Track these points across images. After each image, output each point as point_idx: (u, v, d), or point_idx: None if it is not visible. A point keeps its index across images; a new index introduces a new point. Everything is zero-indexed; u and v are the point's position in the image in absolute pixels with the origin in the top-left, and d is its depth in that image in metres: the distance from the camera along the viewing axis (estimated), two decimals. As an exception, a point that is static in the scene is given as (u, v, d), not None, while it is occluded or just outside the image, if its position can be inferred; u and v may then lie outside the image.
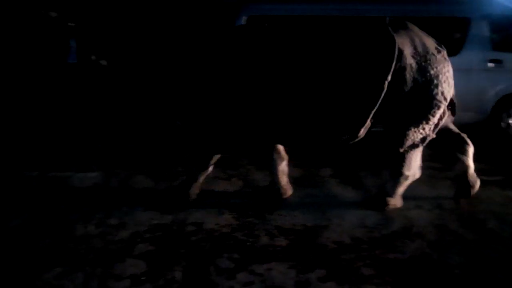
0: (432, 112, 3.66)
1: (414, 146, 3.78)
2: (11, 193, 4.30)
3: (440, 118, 3.78)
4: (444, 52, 3.73)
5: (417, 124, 3.68)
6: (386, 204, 3.94)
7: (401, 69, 3.53)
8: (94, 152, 5.83)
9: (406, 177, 3.88)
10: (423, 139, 3.77)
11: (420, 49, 3.61)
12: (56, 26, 9.85)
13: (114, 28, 10.29)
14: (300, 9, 6.17)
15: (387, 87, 3.52)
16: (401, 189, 3.93)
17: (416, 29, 3.77)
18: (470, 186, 4.10)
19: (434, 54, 3.63)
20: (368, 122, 3.66)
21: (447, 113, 3.89)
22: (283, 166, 4.20)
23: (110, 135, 6.90)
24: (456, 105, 3.99)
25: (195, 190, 4.14)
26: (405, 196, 3.99)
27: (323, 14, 6.09)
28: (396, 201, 3.95)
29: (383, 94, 3.53)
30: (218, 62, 3.77)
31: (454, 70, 3.81)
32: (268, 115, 3.70)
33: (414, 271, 2.98)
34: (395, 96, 3.59)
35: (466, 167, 4.06)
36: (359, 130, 3.67)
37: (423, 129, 3.72)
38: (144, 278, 2.86)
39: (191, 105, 3.88)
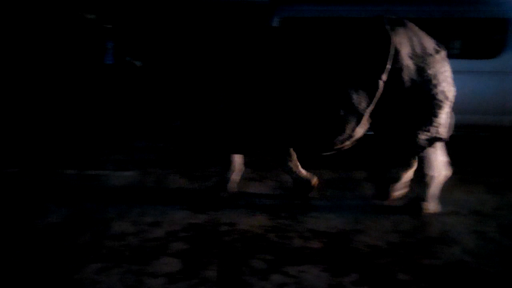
0: (434, 112, 3.61)
1: (425, 147, 3.71)
2: (50, 190, 4.44)
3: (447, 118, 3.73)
4: (443, 53, 3.66)
5: (421, 125, 3.63)
6: (421, 208, 3.88)
7: (398, 70, 3.50)
8: (130, 151, 5.96)
9: (432, 178, 3.80)
10: (431, 140, 3.69)
11: (418, 49, 3.57)
12: (94, 28, 10.11)
13: (148, 30, 10.48)
14: (333, 11, 6.12)
15: (384, 87, 3.52)
16: (433, 191, 3.87)
17: (415, 28, 3.71)
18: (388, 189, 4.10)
19: (432, 55, 3.57)
20: (365, 122, 3.66)
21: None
22: (293, 162, 4.24)
23: (145, 134, 7.03)
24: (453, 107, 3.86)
25: (226, 189, 4.23)
26: (440, 201, 3.92)
27: (357, 15, 6.03)
28: (431, 205, 3.89)
29: (378, 94, 3.53)
30: (225, 65, 3.84)
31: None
32: (270, 116, 3.72)
33: (451, 278, 2.92)
34: (395, 97, 3.57)
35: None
36: (355, 129, 3.66)
37: (429, 130, 3.64)
38: (179, 276, 2.90)
39: (205, 105, 3.89)
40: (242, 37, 3.96)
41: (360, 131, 3.71)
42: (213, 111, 3.83)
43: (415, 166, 4.05)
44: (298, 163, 4.27)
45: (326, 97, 3.58)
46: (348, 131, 3.66)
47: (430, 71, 3.54)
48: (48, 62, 9.58)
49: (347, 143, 3.79)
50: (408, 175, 4.12)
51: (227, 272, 2.97)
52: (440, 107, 3.60)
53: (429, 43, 3.64)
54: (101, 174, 4.97)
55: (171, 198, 4.26)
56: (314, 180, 4.27)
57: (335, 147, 3.84)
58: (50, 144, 6.29)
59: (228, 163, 4.22)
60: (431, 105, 3.59)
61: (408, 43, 3.56)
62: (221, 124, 3.85)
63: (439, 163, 3.81)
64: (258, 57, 3.76)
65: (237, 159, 4.25)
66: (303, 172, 4.27)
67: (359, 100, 3.54)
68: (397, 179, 4.12)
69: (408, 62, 3.51)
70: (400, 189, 4.16)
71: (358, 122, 3.62)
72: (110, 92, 9.41)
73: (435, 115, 3.61)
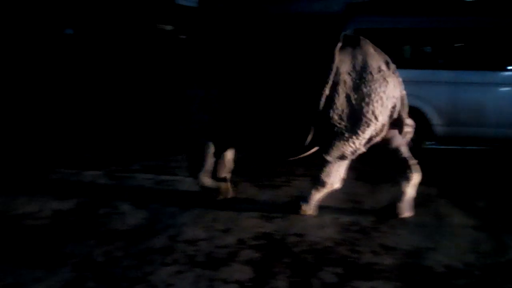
0: (362, 128, 3.79)
1: (342, 157, 3.93)
2: (127, 193, 4.68)
3: (376, 135, 3.88)
4: (387, 72, 3.79)
5: (347, 137, 3.83)
6: (299, 208, 4.10)
7: (335, 84, 3.74)
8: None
9: (324, 184, 4.02)
10: (352, 152, 3.90)
11: (358, 67, 3.75)
12: (170, 39, 10.55)
13: (221, 41, 10.73)
14: (406, 22, 6.03)
15: (326, 100, 3.76)
16: (316, 196, 4.10)
17: (366, 47, 3.86)
18: (395, 211, 4.08)
19: (371, 73, 3.73)
20: (314, 131, 3.86)
21: (389, 132, 3.99)
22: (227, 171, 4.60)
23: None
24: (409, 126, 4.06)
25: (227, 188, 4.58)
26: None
27: (428, 26, 5.90)
28: (309, 207, 4.10)
29: (321, 105, 3.76)
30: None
31: None
32: (238, 121, 4.08)
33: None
34: (329, 107, 3.78)
35: (402, 193, 4.06)
36: (306, 138, 3.88)
37: (353, 143, 3.85)
38: (250, 284, 2.95)
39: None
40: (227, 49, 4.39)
41: (311, 139, 3.91)
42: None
43: (414, 180, 4.09)
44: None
45: (280, 107, 3.88)
46: (300, 140, 3.92)
47: (365, 89, 3.72)
48: (128, 71, 10.11)
49: (303, 150, 4.04)
50: (410, 192, 4.12)
51: (297, 283, 2.98)
52: (368, 125, 3.78)
53: (374, 61, 3.79)
54: (175, 179, 5.17)
55: (242, 205, 4.34)
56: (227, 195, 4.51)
57: (294, 154, 4.13)
58: (127, 148, 6.63)
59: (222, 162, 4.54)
60: (360, 122, 3.77)
61: (350, 61, 3.77)
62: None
63: (338, 175, 4.03)
64: (236, 65, 4.16)
65: (228, 158, 4.54)
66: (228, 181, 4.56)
67: (306, 111, 3.81)
68: (401, 198, 4.12)
69: (345, 78, 3.74)
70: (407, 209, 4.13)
71: (308, 131, 3.86)
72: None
73: (362, 131, 3.80)
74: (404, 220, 4.02)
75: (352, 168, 5.51)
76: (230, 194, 4.56)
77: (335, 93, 3.75)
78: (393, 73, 3.86)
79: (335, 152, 3.91)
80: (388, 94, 3.78)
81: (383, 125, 3.88)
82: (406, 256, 3.37)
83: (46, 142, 7.06)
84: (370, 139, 3.90)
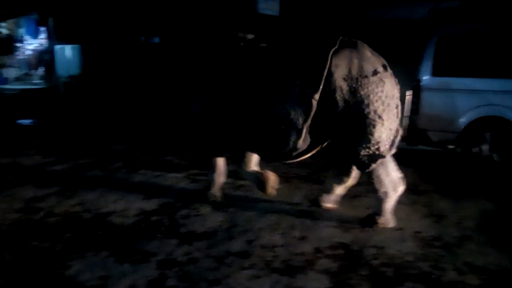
0: (368, 130, 3.75)
1: (371, 165, 3.86)
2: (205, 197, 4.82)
3: (395, 137, 3.87)
4: (384, 74, 3.78)
5: (360, 143, 3.80)
6: (375, 222, 4.03)
7: (331, 91, 3.73)
8: (279, 165, 6.17)
9: (386, 194, 3.96)
10: (372, 157, 3.83)
11: (354, 71, 3.72)
12: (251, 47, 10.76)
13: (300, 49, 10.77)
14: (490, 28, 5.76)
15: (318, 105, 3.77)
16: (387, 206, 4.02)
17: (362, 50, 3.83)
18: (378, 220, 4.06)
19: (367, 76, 3.71)
20: (306, 136, 3.89)
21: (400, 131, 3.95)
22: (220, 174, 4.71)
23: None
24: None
25: (215, 191, 4.71)
26: None
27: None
28: (385, 219, 4.03)
29: (312, 111, 3.78)
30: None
31: None
32: (234, 125, 4.21)
33: None
34: (330, 115, 3.79)
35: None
36: (297, 142, 3.91)
37: (375, 148, 3.79)
38: (326, 294, 2.93)
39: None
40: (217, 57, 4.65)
41: (303, 144, 3.95)
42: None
43: (348, 183, 4.33)
44: (251, 165, 4.52)
45: (271, 111, 3.92)
46: (291, 144, 3.94)
47: (362, 92, 3.70)
48: (210, 78, 10.44)
49: (295, 154, 4.08)
50: (340, 190, 4.39)
51: (376, 297, 2.91)
52: (373, 125, 3.74)
53: (369, 65, 3.76)
54: (252, 184, 5.24)
55: (319, 214, 4.32)
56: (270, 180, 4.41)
57: (287, 158, 4.20)
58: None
59: (213, 166, 4.67)
60: (365, 124, 3.74)
61: (346, 65, 3.74)
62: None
63: (391, 179, 3.95)
64: (223, 72, 4.33)
65: (220, 163, 4.67)
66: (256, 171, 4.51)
67: (297, 116, 3.82)
68: (329, 190, 4.40)
69: (341, 84, 3.72)
70: (330, 201, 4.43)
71: (298, 136, 3.88)
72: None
73: (371, 133, 3.75)
74: (491, 237, 3.78)
75: (433, 182, 5.34)
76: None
77: (332, 99, 3.75)
78: (390, 75, 3.87)
79: (363, 162, 3.87)
80: (388, 93, 3.77)
81: (397, 125, 3.89)
82: (494, 276, 3.17)
83: (133, 143, 7.47)
84: (392, 142, 3.88)
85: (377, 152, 3.82)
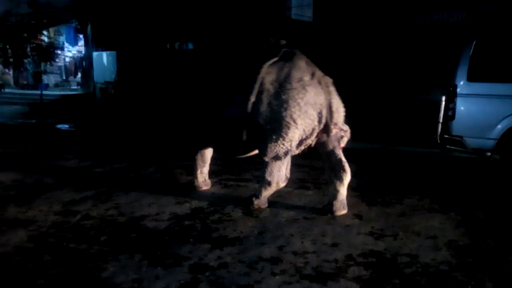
0: (284, 131, 4.23)
1: (277, 157, 4.37)
2: (238, 202, 4.85)
3: (306, 138, 4.31)
4: (308, 82, 4.22)
5: (275, 140, 4.29)
6: (252, 203, 4.61)
7: (260, 92, 4.31)
8: (309, 171, 6.17)
9: (269, 183, 4.48)
10: (285, 153, 4.34)
11: (281, 78, 4.27)
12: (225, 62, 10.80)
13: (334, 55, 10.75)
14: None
15: (253, 107, 4.33)
16: (266, 193, 4.59)
17: (296, 61, 4.34)
18: (332, 209, 4.45)
19: (290, 83, 4.21)
20: (246, 133, 4.41)
21: (323, 136, 4.43)
22: (203, 165, 5.30)
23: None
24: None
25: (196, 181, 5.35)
26: None
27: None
28: (260, 202, 4.62)
29: (249, 110, 4.33)
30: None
31: None
32: (179, 124, 5.02)
33: None
34: (257, 113, 4.33)
35: (336, 192, 4.47)
36: (241, 138, 4.43)
37: (283, 144, 4.29)
38: (358, 302, 2.90)
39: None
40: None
41: (247, 140, 4.46)
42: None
43: (347, 178, 4.50)
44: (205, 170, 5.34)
45: (220, 113, 4.57)
46: (237, 140, 4.48)
47: (283, 96, 4.20)
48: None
49: (243, 149, 4.69)
50: (344, 190, 4.51)
51: (408, 306, 2.86)
52: (288, 127, 4.21)
53: (297, 73, 4.25)
54: (282, 190, 5.24)
55: (350, 221, 4.28)
56: (200, 185, 5.33)
57: (239, 152, 4.82)
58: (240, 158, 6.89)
59: (196, 160, 5.25)
60: (281, 125, 4.23)
61: (276, 73, 4.31)
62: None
63: (280, 174, 4.46)
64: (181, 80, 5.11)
65: (202, 157, 5.23)
66: (202, 175, 5.32)
67: (238, 115, 4.39)
68: (336, 196, 4.53)
69: (269, 87, 4.29)
70: (342, 207, 4.53)
71: (241, 133, 4.41)
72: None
73: (285, 133, 4.23)
74: (533, 249, 3.66)
75: (468, 189, 5.21)
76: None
77: (260, 101, 4.31)
78: (318, 83, 4.29)
79: (270, 153, 4.36)
80: (307, 100, 4.20)
81: (312, 129, 4.29)
82: (534, 289, 3.06)
83: (166, 148, 7.61)
84: (301, 142, 4.32)
85: (288, 148, 4.32)
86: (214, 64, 5.06)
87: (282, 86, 4.23)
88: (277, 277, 3.21)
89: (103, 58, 15.60)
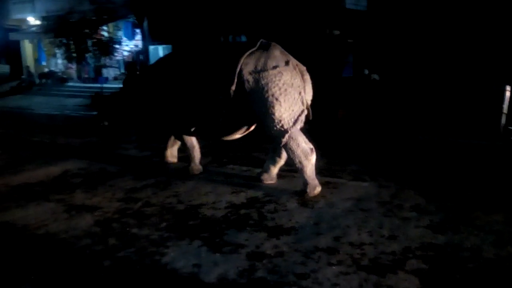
0: (271, 111, 4.65)
1: (281, 137, 4.68)
2: (292, 192, 4.87)
3: (299, 115, 4.72)
4: (284, 68, 4.67)
5: (270, 122, 4.70)
6: (305, 192, 4.76)
7: (241, 83, 4.76)
8: (365, 162, 6.10)
9: (299, 163, 4.70)
10: (286, 131, 4.67)
11: (259, 67, 4.72)
12: (338, 43, 10.65)
13: (387, 46, 10.48)
14: None
15: (235, 94, 4.79)
16: (307, 174, 4.75)
17: (272, 51, 4.79)
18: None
19: (267, 70, 4.67)
20: (227, 118, 4.93)
21: (305, 112, 4.80)
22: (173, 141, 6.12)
23: (382, 147, 7.08)
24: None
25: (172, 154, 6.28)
26: None
27: None
28: (310, 186, 4.75)
29: (230, 99, 4.81)
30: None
31: None
32: (172, 114, 5.38)
33: None
34: (244, 102, 4.80)
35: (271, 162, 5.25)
36: (221, 123, 5.00)
37: (279, 123, 4.68)
38: (417, 295, 2.85)
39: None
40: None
41: (227, 125, 5.04)
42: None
43: (280, 163, 5.22)
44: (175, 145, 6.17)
45: (205, 101, 5.01)
46: (218, 124, 5.03)
47: (263, 82, 4.67)
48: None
49: (224, 132, 5.21)
50: (275, 170, 5.27)
51: (471, 301, 2.78)
52: (273, 106, 4.63)
53: (273, 61, 4.71)
54: (338, 182, 5.23)
55: (407, 214, 4.20)
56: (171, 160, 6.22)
57: (220, 135, 5.30)
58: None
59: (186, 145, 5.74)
60: (266, 106, 4.65)
61: (253, 63, 4.75)
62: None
63: (302, 149, 4.68)
64: (171, 74, 5.38)
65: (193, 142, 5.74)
66: (197, 160, 5.78)
67: (219, 103, 4.89)
68: (267, 170, 5.27)
69: (248, 77, 4.74)
70: (269, 179, 5.26)
71: (221, 118, 4.95)
72: (347, 104, 9.76)
73: (273, 113, 4.64)
74: None
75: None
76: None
77: (243, 89, 4.74)
78: (293, 68, 4.75)
79: (274, 133, 4.72)
80: (285, 81, 4.65)
81: (299, 108, 4.71)
82: None
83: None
84: (296, 119, 4.70)
85: (282, 128, 4.67)
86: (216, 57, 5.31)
87: (260, 73, 4.69)
88: (334, 267, 3.21)
89: (159, 52, 16.02)
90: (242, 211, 4.36)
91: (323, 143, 7.39)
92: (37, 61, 21.41)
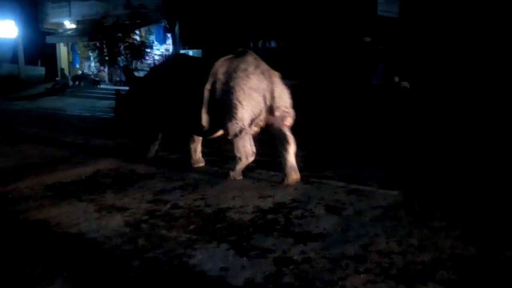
0: (234, 111, 5.22)
1: (236, 135, 5.33)
2: (318, 197, 4.85)
3: (255, 117, 5.30)
4: (252, 72, 5.26)
5: (230, 120, 5.28)
6: (228, 175, 5.60)
7: (214, 82, 5.37)
8: (394, 170, 6.02)
9: (239, 158, 5.44)
10: (240, 131, 5.29)
11: (230, 70, 5.33)
12: (368, 50, 10.57)
13: (418, 53, 10.34)
14: None
15: (209, 94, 5.39)
16: (239, 167, 5.55)
17: (245, 57, 5.44)
18: (285, 174, 5.39)
19: (236, 73, 5.28)
20: (206, 117, 5.47)
21: (270, 117, 5.39)
22: (195, 146, 6.32)
23: (412, 155, 6.98)
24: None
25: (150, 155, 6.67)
26: None
27: None
28: (235, 174, 5.59)
29: (206, 97, 5.40)
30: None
31: None
32: (165, 115, 6.02)
33: None
34: (215, 100, 5.37)
35: (285, 161, 5.38)
36: (202, 122, 5.49)
37: (236, 123, 5.26)
38: (447, 307, 2.80)
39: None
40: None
41: (207, 123, 5.51)
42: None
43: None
44: (199, 149, 6.39)
45: (187, 102, 5.57)
46: (197, 123, 5.53)
47: (231, 84, 5.26)
48: (326, 80, 10.47)
49: (205, 131, 5.66)
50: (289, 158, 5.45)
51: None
52: (236, 108, 5.21)
53: (243, 65, 5.32)
54: (366, 189, 5.18)
55: (437, 223, 4.13)
56: (199, 164, 6.37)
57: (202, 134, 5.88)
58: (321, 154, 6.88)
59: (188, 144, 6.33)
60: (231, 106, 5.24)
61: (227, 66, 5.39)
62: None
63: (245, 149, 5.36)
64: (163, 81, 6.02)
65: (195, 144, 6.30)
66: (197, 157, 6.36)
67: (198, 103, 5.43)
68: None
69: (220, 77, 5.36)
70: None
71: (200, 117, 5.45)
72: (376, 111, 9.67)
73: (236, 113, 5.22)
74: None
75: None
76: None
77: (216, 89, 5.35)
78: (261, 73, 5.30)
79: (230, 132, 5.33)
80: (251, 86, 5.21)
81: (260, 110, 5.28)
82: None
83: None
84: (252, 121, 5.28)
85: (242, 127, 5.26)
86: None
87: (230, 76, 5.28)
88: (361, 275, 3.19)
89: (189, 56, 16.25)
90: (269, 216, 4.37)
91: (352, 151, 7.34)
92: (71, 63, 21.98)
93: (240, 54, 5.48)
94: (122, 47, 17.22)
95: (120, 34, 16.93)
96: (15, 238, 3.95)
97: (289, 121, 5.42)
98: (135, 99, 6.50)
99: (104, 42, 17.04)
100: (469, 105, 9.01)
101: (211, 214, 4.45)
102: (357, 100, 9.87)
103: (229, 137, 5.39)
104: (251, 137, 5.40)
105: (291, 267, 3.32)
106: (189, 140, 6.27)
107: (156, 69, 6.49)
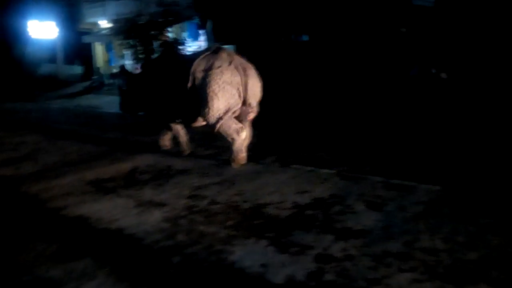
0: (210, 103, 5.83)
1: (218, 121, 5.88)
2: (356, 193, 4.74)
3: (232, 108, 5.89)
4: (226, 67, 5.85)
5: (208, 111, 5.87)
6: (233, 160, 6.00)
7: (194, 79, 5.99)
8: (439, 164, 5.83)
9: (232, 139, 5.92)
10: (218, 118, 5.88)
11: (206, 66, 5.95)
12: (405, 41, 10.30)
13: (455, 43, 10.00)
14: None
15: (190, 89, 6.00)
16: (236, 147, 5.95)
17: (220, 53, 6.02)
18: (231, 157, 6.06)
19: (212, 69, 5.87)
20: (188, 108, 6.14)
21: (241, 109, 6.00)
22: (182, 132, 6.90)
23: (454, 149, 6.75)
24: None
25: (164, 142, 7.15)
26: None
27: None
28: (237, 158, 6.00)
29: (188, 92, 6.00)
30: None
31: None
32: (162, 106, 6.56)
33: None
34: (195, 95, 5.97)
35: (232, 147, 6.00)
36: (187, 113, 6.28)
37: (213, 112, 5.85)
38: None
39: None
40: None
41: (188, 114, 6.23)
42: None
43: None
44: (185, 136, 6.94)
45: (174, 96, 6.21)
46: (182, 113, 6.34)
47: (207, 79, 5.85)
48: (360, 69, 10.28)
49: (189, 120, 6.38)
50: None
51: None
52: (212, 99, 5.81)
53: (218, 62, 5.91)
54: (406, 184, 5.02)
55: (484, 220, 3.95)
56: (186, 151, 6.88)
57: (188, 122, 6.50)
58: (360, 149, 6.74)
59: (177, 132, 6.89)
60: (207, 99, 5.83)
61: (204, 63, 6.00)
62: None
63: (233, 128, 5.86)
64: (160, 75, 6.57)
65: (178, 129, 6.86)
66: (184, 144, 6.90)
67: (181, 97, 6.10)
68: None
69: (198, 74, 5.96)
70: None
71: (183, 108, 6.20)
72: (413, 103, 9.42)
73: (212, 105, 5.83)
74: None
75: None
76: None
77: (194, 84, 5.96)
78: (235, 68, 5.86)
79: (209, 121, 5.95)
80: (225, 80, 5.78)
81: (235, 101, 5.87)
82: None
83: (285, 138, 7.71)
84: (227, 110, 5.86)
85: (218, 117, 5.85)
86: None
87: (206, 72, 5.86)
88: (406, 274, 3.08)
89: (222, 52, 16.28)
90: (308, 212, 4.30)
91: (391, 144, 7.16)
92: (108, 62, 22.43)
93: (215, 51, 6.08)
94: (155, 45, 17.41)
95: (153, 32, 17.12)
96: (58, 234, 4.02)
97: (251, 116, 6.09)
98: (135, 93, 7.13)
99: (138, 40, 17.27)
100: (510, 96, 8.65)
101: (249, 210, 4.42)
102: (395, 92, 9.65)
103: (210, 127, 5.99)
104: (232, 117, 5.92)
105: (332, 264, 3.24)
106: (169, 129, 6.90)
107: (148, 66, 7.25)
